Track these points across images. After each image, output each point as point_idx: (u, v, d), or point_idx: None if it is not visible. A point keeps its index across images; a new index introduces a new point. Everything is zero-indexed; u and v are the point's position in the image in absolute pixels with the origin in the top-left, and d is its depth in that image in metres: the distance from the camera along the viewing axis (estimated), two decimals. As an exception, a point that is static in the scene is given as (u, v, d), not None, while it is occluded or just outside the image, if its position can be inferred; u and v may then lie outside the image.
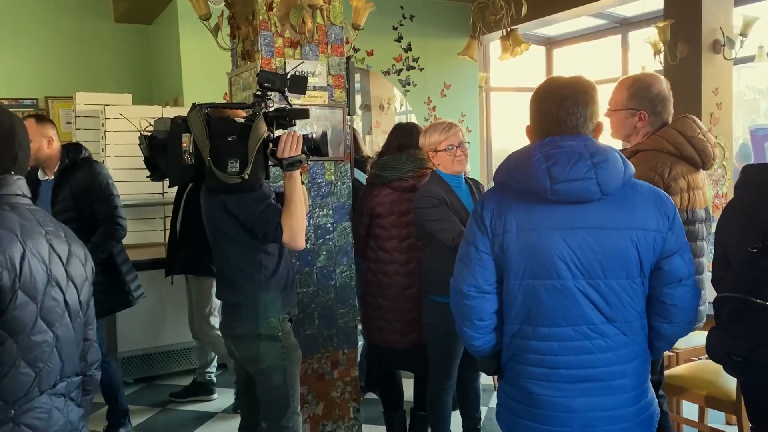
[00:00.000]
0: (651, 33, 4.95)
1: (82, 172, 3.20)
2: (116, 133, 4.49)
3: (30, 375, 1.33)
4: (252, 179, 2.20)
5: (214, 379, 3.98)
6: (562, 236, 1.57)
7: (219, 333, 3.71)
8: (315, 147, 2.31)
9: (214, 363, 3.98)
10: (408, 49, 6.25)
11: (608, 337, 1.61)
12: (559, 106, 1.60)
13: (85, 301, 1.50)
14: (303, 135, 2.29)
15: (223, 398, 4.01)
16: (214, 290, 3.68)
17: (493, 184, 1.80)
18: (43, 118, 3.27)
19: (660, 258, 1.61)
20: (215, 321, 3.75)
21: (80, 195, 3.17)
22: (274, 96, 2.33)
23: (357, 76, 6.04)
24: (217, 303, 3.74)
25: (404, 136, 3.06)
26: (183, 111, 2.39)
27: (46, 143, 3.14)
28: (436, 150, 2.76)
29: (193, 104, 2.23)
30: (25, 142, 1.48)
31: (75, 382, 1.47)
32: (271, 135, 2.27)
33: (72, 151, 3.25)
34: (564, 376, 1.61)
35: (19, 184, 1.44)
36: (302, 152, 2.25)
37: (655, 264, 1.61)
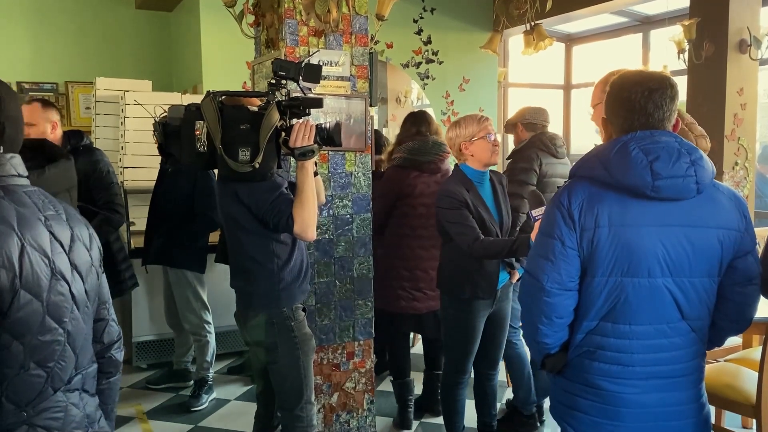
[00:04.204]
0: (675, 31, 4.89)
1: (83, 159, 3.20)
2: (136, 119, 4.50)
3: (41, 376, 1.25)
4: (263, 168, 2.18)
5: (191, 367, 3.99)
6: (656, 233, 1.55)
7: (205, 323, 3.75)
8: (328, 137, 2.28)
9: (191, 352, 3.98)
10: (428, 42, 6.21)
11: (682, 334, 1.62)
12: (648, 99, 1.58)
13: (92, 288, 1.40)
14: (316, 125, 2.26)
15: (238, 386, 4.04)
16: (195, 280, 3.71)
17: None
18: (48, 102, 3.25)
19: (735, 257, 1.62)
20: (201, 309, 3.75)
21: (80, 182, 3.17)
22: (294, 86, 2.31)
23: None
24: (200, 292, 3.75)
25: (421, 123, 3.42)
26: (202, 99, 2.39)
27: (50, 128, 3.13)
28: (473, 139, 2.72)
29: (207, 92, 2.22)
30: (14, 113, 1.34)
31: (90, 372, 1.40)
32: (284, 124, 2.24)
33: (73, 137, 3.25)
34: (638, 372, 1.61)
35: (14, 163, 1.31)
36: (315, 142, 2.23)
37: (729, 263, 1.62)
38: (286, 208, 2.20)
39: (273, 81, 2.24)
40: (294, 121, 2.27)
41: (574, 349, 1.68)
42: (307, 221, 2.21)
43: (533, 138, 3.42)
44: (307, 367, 2.39)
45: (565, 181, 1.77)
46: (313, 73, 2.31)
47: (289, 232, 2.24)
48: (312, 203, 2.23)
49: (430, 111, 6.55)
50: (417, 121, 3.44)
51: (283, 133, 2.23)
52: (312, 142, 2.21)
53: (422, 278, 3.33)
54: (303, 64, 2.27)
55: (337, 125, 2.29)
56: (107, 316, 1.49)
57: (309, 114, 2.30)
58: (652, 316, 1.59)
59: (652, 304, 1.58)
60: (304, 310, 2.44)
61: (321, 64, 2.44)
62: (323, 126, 2.28)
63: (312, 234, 2.24)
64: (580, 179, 1.64)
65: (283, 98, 2.25)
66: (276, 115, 2.19)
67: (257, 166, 2.16)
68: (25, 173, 1.34)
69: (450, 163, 3.38)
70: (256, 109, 2.27)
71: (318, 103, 2.28)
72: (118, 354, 1.52)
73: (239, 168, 2.16)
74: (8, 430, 1.22)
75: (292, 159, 2.47)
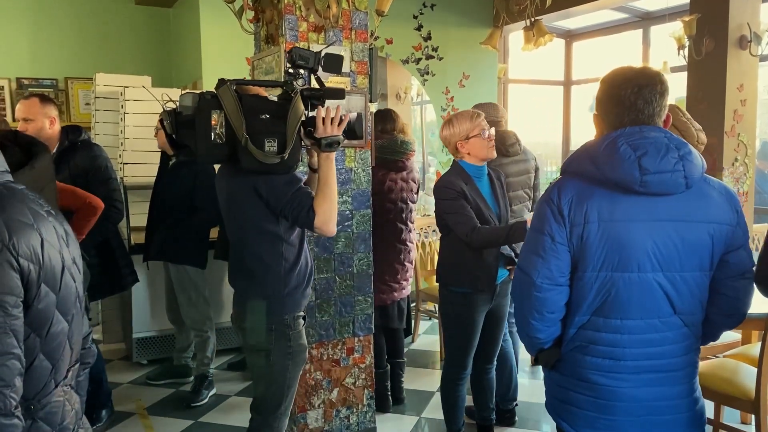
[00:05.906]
0: (675, 27, 4.87)
1: (82, 155, 3.20)
2: (135, 115, 4.50)
3: (48, 368, 1.26)
4: (290, 160, 2.11)
5: (191, 363, 4.00)
6: (646, 228, 1.56)
7: (206, 318, 3.75)
8: (349, 129, 2.21)
9: (192, 348, 3.99)
10: (428, 38, 6.20)
11: (675, 329, 1.62)
12: (638, 95, 1.59)
13: (81, 282, 1.40)
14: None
15: (238, 382, 4.04)
16: (196, 276, 3.71)
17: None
18: (46, 98, 3.25)
19: (726, 251, 1.62)
20: (202, 305, 3.75)
21: (79, 177, 3.17)
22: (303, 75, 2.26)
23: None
24: (201, 288, 3.75)
25: (386, 122, 3.50)
26: (215, 86, 2.28)
27: (48, 123, 3.13)
28: (468, 137, 2.73)
29: (221, 79, 2.10)
30: None
31: (76, 369, 1.40)
32: (306, 115, 2.16)
33: (71, 133, 3.25)
34: (630, 367, 1.62)
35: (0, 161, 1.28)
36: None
37: (720, 257, 1.62)
38: (306, 201, 2.13)
39: (291, 70, 2.15)
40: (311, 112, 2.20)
41: (566, 343, 1.69)
42: (330, 214, 2.14)
43: None
44: (293, 377, 2.30)
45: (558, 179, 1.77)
46: (335, 63, 2.24)
47: (309, 226, 2.15)
48: (335, 196, 2.17)
49: (429, 107, 6.55)
50: (382, 119, 3.48)
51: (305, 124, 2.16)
52: (339, 132, 2.14)
53: (386, 271, 3.45)
54: (323, 53, 2.19)
55: (360, 117, 2.24)
56: (82, 309, 1.50)
57: (324, 106, 2.21)
58: (643, 310, 1.59)
59: (642, 298, 1.59)
60: (303, 318, 2.36)
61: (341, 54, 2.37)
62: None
63: (333, 228, 2.17)
64: (571, 175, 1.65)
65: (301, 88, 2.16)
66: (302, 106, 2.10)
67: (286, 157, 2.08)
68: (8, 169, 1.31)
69: (414, 161, 3.62)
70: (275, 98, 2.19)
71: (340, 94, 2.20)
72: (93, 346, 1.56)
73: (266, 159, 2.06)
74: None
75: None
